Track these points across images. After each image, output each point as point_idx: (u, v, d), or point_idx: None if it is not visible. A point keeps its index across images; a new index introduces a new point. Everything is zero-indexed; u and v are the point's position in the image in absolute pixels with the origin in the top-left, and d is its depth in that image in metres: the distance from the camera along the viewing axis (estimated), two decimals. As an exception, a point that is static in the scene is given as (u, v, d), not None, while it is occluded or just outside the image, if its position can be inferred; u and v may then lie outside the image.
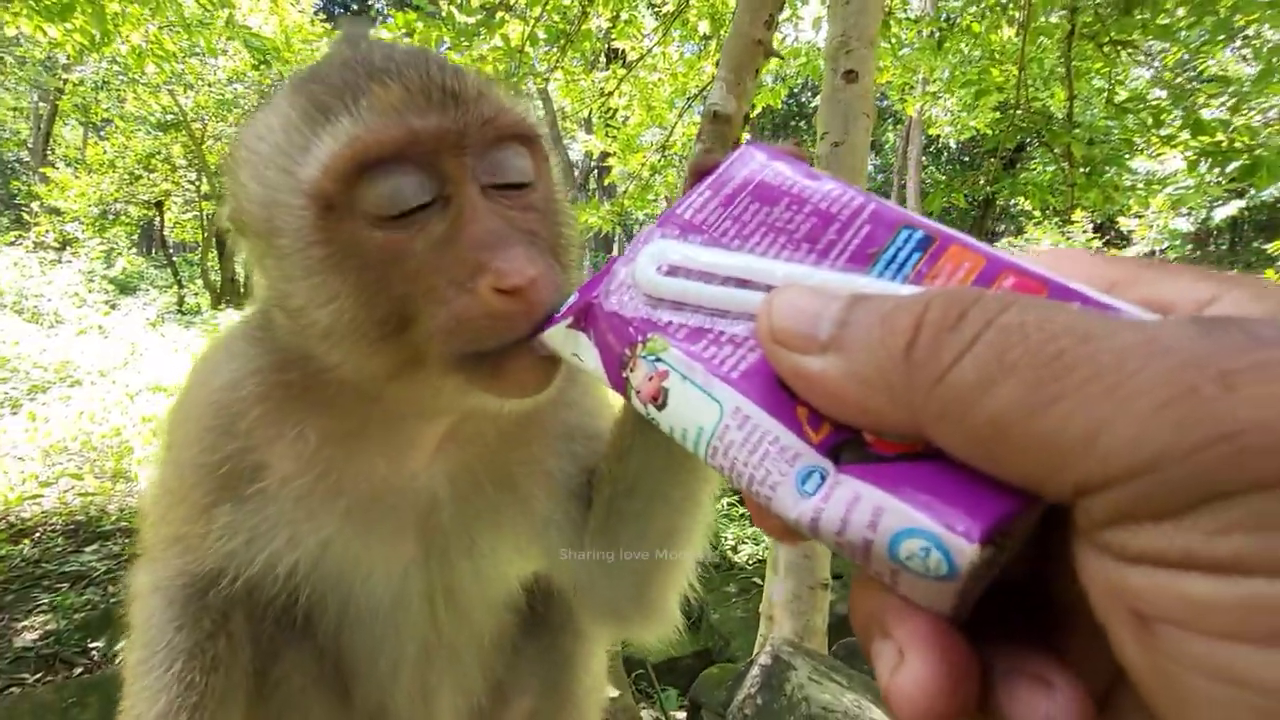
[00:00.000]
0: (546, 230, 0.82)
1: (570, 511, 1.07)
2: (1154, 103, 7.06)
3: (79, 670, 4.11)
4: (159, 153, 18.52)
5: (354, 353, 0.79)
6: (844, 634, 4.37)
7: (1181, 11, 6.22)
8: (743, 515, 7.37)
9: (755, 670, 2.76)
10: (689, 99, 9.05)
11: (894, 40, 8.45)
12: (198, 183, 20.01)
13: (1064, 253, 0.45)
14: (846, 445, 0.42)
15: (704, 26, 8.23)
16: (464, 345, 0.73)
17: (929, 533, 0.36)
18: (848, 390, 0.39)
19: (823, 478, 0.41)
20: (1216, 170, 6.54)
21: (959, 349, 0.34)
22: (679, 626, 1.14)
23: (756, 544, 7.18)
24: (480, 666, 1.19)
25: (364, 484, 0.95)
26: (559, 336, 0.62)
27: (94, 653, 4.28)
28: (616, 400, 1.17)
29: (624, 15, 8.41)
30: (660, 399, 0.50)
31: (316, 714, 1.11)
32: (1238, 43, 6.59)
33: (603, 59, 9.68)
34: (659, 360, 0.51)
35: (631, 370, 0.53)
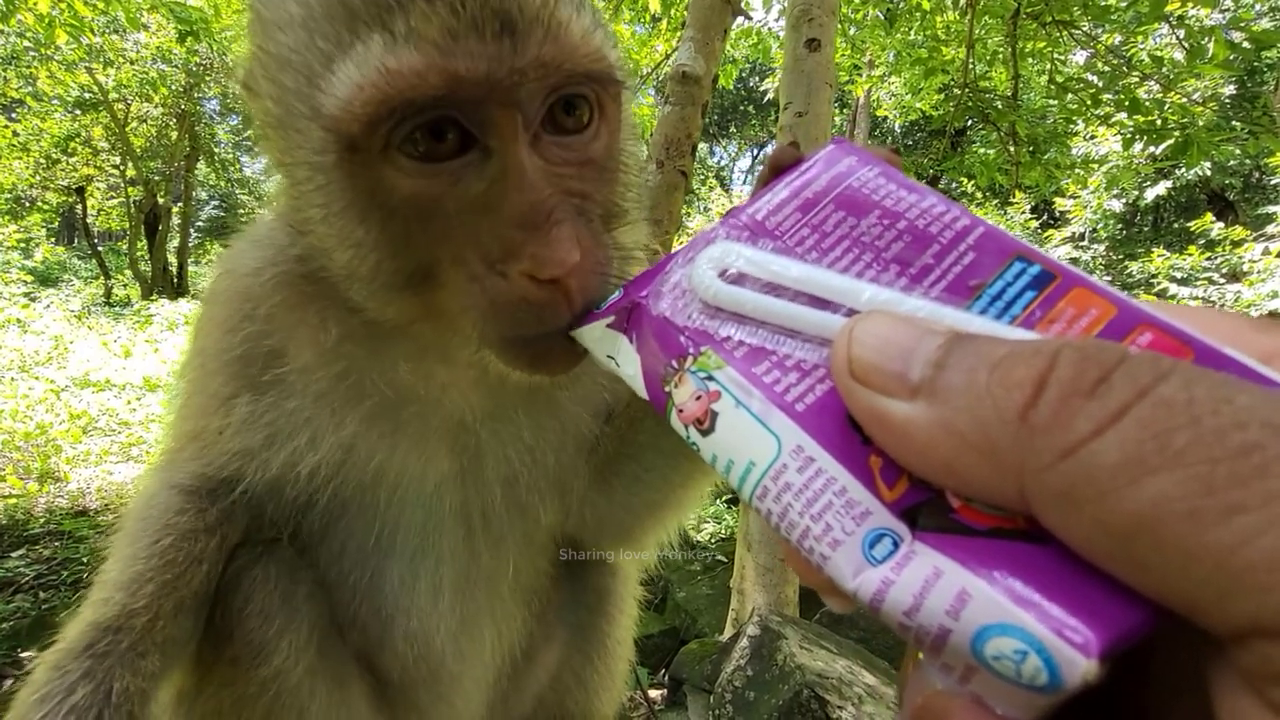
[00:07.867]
0: (601, 190, 0.73)
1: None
2: (1090, 87, 7.32)
3: (9, 682, 3.87)
4: (78, 135, 17.44)
5: (374, 298, 0.75)
6: (818, 603, 4.43)
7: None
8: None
9: (744, 641, 2.73)
10: (641, 77, 8.95)
11: (844, 21, 8.51)
12: (122, 167, 18.94)
13: (1203, 311, 0.38)
14: (925, 508, 0.36)
15: (654, 5, 8.12)
16: (496, 329, 0.68)
17: (1029, 635, 0.30)
18: (937, 445, 0.33)
19: (895, 544, 0.36)
20: (1150, 149, 6.82)
21: (1100, 421, 0.28)
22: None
23: (719, 523, 7.24)
24: (519, 603, 1.11)
25: (388, 388, 0.88)
26: (595, 335, 0.57)
27: (25, 663, 4.02)
28: None
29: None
30: (706, 423, 0.45)
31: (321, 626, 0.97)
32: (1164, 28, 6.85)
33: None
34: (711, 379, 0.46)
35: (676, 385, 0.48)
